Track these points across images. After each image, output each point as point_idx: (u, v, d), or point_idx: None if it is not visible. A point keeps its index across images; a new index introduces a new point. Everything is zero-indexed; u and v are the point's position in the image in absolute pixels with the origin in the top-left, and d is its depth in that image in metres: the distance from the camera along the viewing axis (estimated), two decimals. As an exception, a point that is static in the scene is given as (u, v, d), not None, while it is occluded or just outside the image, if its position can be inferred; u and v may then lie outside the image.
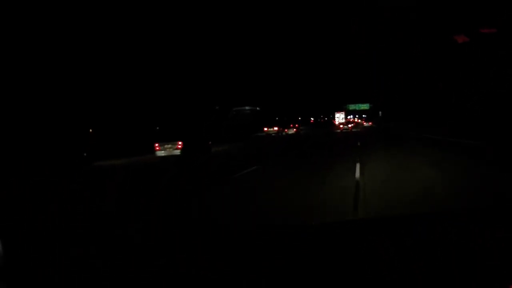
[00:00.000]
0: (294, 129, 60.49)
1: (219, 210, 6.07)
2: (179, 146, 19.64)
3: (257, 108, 69.96)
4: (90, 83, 28.45)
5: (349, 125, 63.48)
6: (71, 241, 4.61)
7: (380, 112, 74.54)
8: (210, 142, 23.20)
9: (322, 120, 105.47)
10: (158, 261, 1.50)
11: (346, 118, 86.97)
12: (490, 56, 21.91)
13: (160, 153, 19.80)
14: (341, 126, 63.47)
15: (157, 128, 33.03)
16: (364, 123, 77.94)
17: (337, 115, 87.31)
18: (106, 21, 30.43)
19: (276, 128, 59.18)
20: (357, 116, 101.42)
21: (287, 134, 53.38)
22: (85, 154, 20.43)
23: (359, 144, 17.94)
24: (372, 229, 1.74)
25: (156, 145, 20.12)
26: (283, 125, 63.07)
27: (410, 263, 1.28)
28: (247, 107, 66.19)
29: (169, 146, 19.75)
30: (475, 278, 1.14)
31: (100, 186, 10.95)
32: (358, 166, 10.16)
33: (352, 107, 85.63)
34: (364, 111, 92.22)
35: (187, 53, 40.29)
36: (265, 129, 58.73)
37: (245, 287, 1.20)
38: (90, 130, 27.62)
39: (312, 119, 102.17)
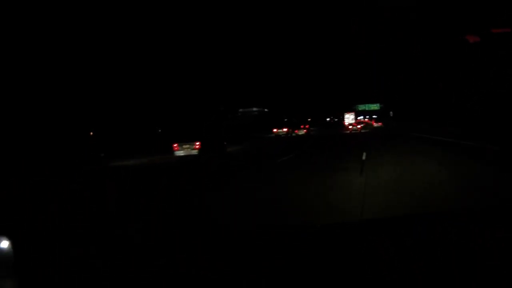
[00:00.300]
0: (305, 130, 60.69)
1: (219, 210, 6.08)
2: (197, 146, 20.39)
3: (265, 110, 69.53)
4: (109, 87, 29.39)
5: (358, 126, 63.46)
6: (71, 241, 4.61)
7: (391, 112, 73.68)
8: (225, 143, 23.91)
9: (331, 121, 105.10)
10: (158, 261, 1.50)
11: (356, 118, 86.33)
12: (490, 56, 21.92)
13: (179, 153, 20.47)
14: (350, 127, 63.38)
15: (159, 130, 33.37)
16: (374, 124, 77.39)
17: (346, 115, 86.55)
18: (120, 24, 30.93)
19: (285, 129, 59.30)
20: (367, 116, 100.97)
21: (297, 135, 53.69)
22: (102, 155, 20.73)
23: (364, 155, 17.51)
24: (372, 229, 1.74)
25: (175, 145, 20.82)
26: (292, 126, 63.11)
27: (410, 263, 1.28)
28: (254, 109, 65.84)
29: (187, 146, 20.50)
30: (475, 278, 1.14)
31: (107, 185, 10.96)
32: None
33: (361, 107, 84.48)
34: (374, 111, 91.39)
35: (201, 56, 41.19)
36: (275, 130, 58.90)
37: (245, 287, 1.21)
38: (91, 133, 27.98)
39: (319, 120, 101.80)
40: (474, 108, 25.68)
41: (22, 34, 23.02)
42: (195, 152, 20.22)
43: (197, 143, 20.49)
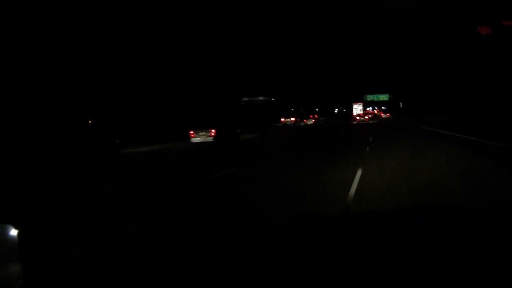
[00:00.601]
0: (313, 120, 61.69)
1: (217, 210, 6.08)
2: (212, 134, 21.36)
3: (272, 99, 68.39)
4: (131, 79, 31.31)
5: (366, 117, 63.43)
6: (71, 241, 4.60)
7: (401, 103, 72.38)
8: (239, 131, 24.83)
9: (340, 112, 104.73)
10: (158, 261, 1.50)
11: (364, 109, 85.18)
12: (490, 56, 21.90)
13: (195, 139, 21.55)
14: (358, 118, 63.45)
15: (158, 129, 33.71)
16: (383, 115, 76.27)
17: (355, 106, 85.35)
18: (136, 15, 32.26)
19: (293, 119, 60.02)
20: (376, 107, 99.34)
21: (306, 124, 54.74)
22: (117, 141, 21.00)
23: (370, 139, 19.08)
24: (372, 229, 1.74)
25: (191, 132, 21.83)
26: (300, 116, 63.89)
27: (410, 263, 1.28)
28: (260, 97, 64.74)
29: (203, 133, 21.54)
30: (475, 278, 1.14)
31: (107, 185, 10.93)
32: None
33: (370, 97, 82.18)
34: (383, 102, 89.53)
35: (212, 47, 43.18)
36: (282, 119, 59.70)
37: (245, 287, 1.20)
38: (89, 122, 28.14)
39: (328, 110, 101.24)
40: (474, 108, 25.67)
41: (15, 28, 23.05)
42: (210, 139, 21.12)
43: (213, 131, 21.34)
